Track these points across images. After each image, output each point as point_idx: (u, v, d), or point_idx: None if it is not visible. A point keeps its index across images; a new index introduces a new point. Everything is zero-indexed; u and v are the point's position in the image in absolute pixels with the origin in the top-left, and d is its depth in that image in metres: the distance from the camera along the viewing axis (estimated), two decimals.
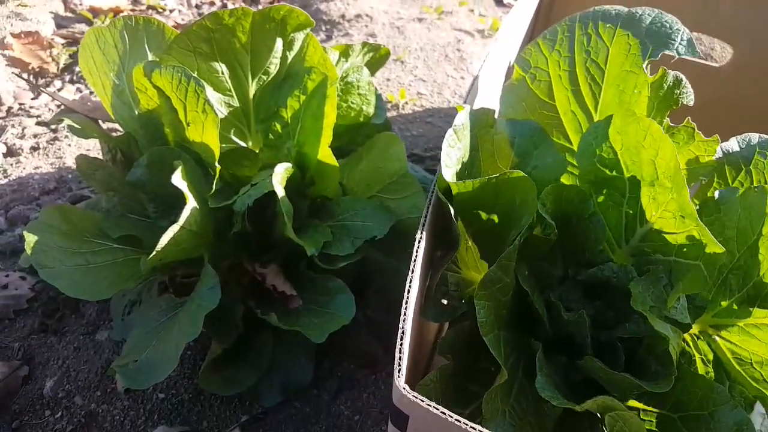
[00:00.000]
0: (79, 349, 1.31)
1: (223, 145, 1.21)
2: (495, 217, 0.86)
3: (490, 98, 1.08)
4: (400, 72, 2.05)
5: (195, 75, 1.07)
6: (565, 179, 0.95)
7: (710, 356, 0.86)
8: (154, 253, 0.99)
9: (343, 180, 1.29)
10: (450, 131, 0.84)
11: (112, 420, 1.18)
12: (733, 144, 0.89)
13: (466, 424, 0.65)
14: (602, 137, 0.81)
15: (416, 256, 0.78)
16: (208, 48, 1.11)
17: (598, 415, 0.81)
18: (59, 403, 1.22)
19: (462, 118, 0.86)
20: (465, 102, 0.96)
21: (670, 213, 0.76)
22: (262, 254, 1.18)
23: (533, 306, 0.84)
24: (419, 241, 0.79)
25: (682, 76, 0.91)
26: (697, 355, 0.87)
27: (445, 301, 0.96)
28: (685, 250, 0.77)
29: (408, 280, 0.76)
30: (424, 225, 0.81)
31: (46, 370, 1.27)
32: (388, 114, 1.87)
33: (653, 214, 0.79)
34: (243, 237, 1.15)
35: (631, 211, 0.83)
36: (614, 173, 0.82)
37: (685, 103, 0.91)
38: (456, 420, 0.66)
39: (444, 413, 0.66)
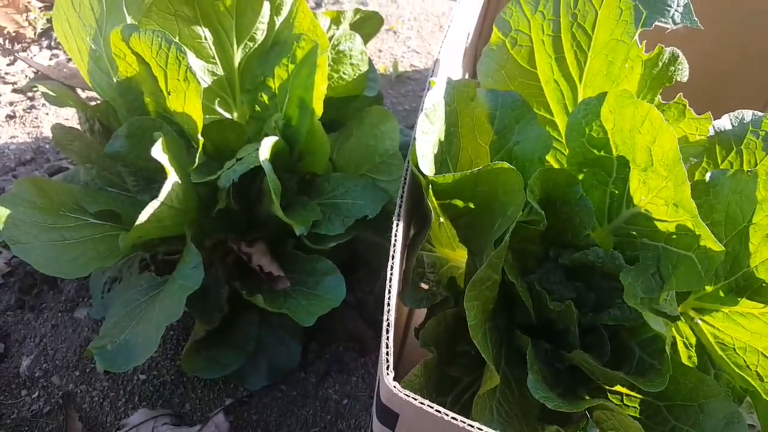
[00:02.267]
0: (57, 326, 1.26)
1: (207, 117, 1.15)
2: (474, 205, 0.82)
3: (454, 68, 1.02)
4: (393, 43, 1.97)
5: (176, 40, 1.00)
6: (550, 158, 0.91)
7: (692, 340, 0.83)
8: (132, 230, 0.94)
9: (333, 156, 1.23)
10: (422, 116, 0.77)
11: (91, 401, 1.14)
12: (725, 122, 0.84)
13: (464, 422, 0.62)
14: (593, 116, 0.76)
15: (395, 241, 0.74)
16: (190, 11, 1.04)
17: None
18: (36, 382, 1.17)
19: (434, 98, 0.79)
20: (432, 75, 0.90)
21: (662, 200, 0.71)
22: (247, 233, 1.13)
23: (518, 294, 0.81)
24: (397, 225, 0.74)
25: (678, 51, 0.85)
26: (678, 338, 0.84)
27: (424, 286, 0.92)
28: (675, 238, 0.73)
29: (389, 267, 0.71)
30: (400, 207, 0.77)
31: (22, 348, 1.23)
32: (381, 87, 1.80)
33: (642, 198, 0.74)
34: (228, 214, 1.09)
35: (616, 191, 0.79)
36: (602, 153, 0.78)
37: (679, 79, 0.86)
38: (453, 418, 0.62)
39: (440, 411, 0.62)
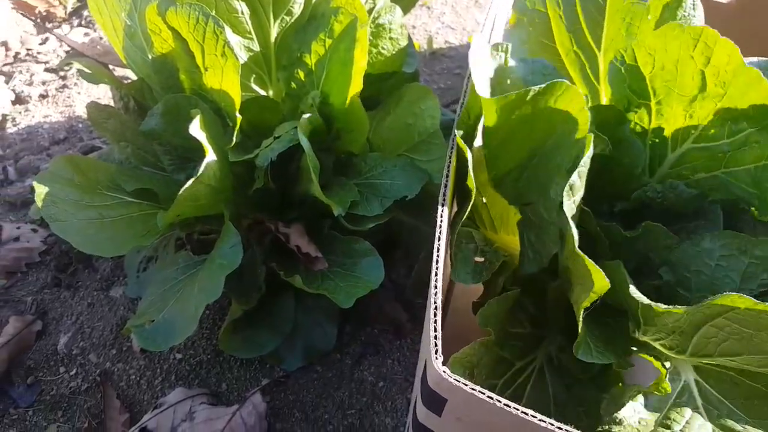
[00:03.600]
0: (93, 305, 1.27)
1: (242, 94, 1.13)
2: (530, 149, 0.78)
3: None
4: (427, 19, 1.93)
5: (213, 14, 0.98)
6: None
7: None
8: (171, 208, 0.93)
9: (370, 135, 1.20)
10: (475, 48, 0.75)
11: (128, 379, 1.14)
12: (754, 60, 0.82)
13: (517, 409, 0.59)
14: (630, 60, 0.74)
15: (440, 222, 0.71)
16: None
17: None
18: (74, 360, 1.18)
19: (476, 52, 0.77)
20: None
21: (717, 123, 0.71)
22: (284, 213, 1.11)
23: (584, 234, 0.75)
24: (442, 207, 0.72)
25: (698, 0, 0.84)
26: None
27: (480, 258, 0.90)
28: (740, 156, 0.72)
29: (435, 249, 0.69)
30: (446, 187, 0.74)
31: (59, 326, 1.23)
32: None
33: (692, 132, 0.74)
34: (265, 194, 1.07)
35: (657, 140, 0.78)
36: (641, 100, 0.77)
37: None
38: (505, 405, 0.59)
39: (491, 398, 0.60)
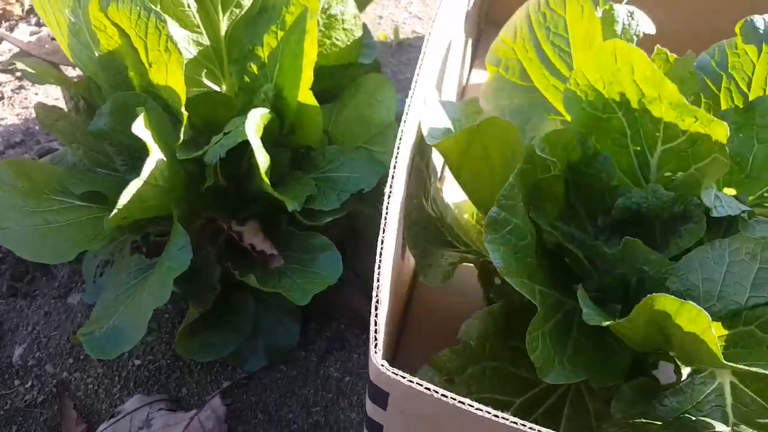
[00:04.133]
0: (50, 313, 1.23)
1: (194, 89, 1.09)
2: (491, 173, 0.81)
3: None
4: (394, 9, 1.90)
5: (156, 9, 0.94)
6: None
7: None
8: (115, 211, 0.89)
9: (328, 128, 1.18)
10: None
11: (86, 388, 1.11)
12: (703, 59, 0.88)
13: (454, 399, 0.59)
14: (582, 81, 0.77)
15: (386, 214, 0.70)
16: None
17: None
18: (29, 371, 1.14)
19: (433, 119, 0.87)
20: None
21: (671, 122, 0.73)
22: (239, 210, 1.08)
23: (571, 256, 0.79)
24: (389, 198, 0.70)
25: (632, 8, 0.89)
26: None
27: (451, 267, 0.90)
28: (698, 150, 0.74)
29: (380, 242, 0.67)
30: (393, 178, 0.73)
31: (15, 337, 1.20)
32: (381, 55, 1.73)
33: (657, 135, 0.76)
34: (217, 192, 1.04)
35: (638, 148, 0.80)
36: (606, 114, 0.78)
37: (646, 32, 0.89)
38: (443, 395, 0.59)
39: (429, 389, 0.59)
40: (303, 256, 1.04)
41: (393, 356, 1.09)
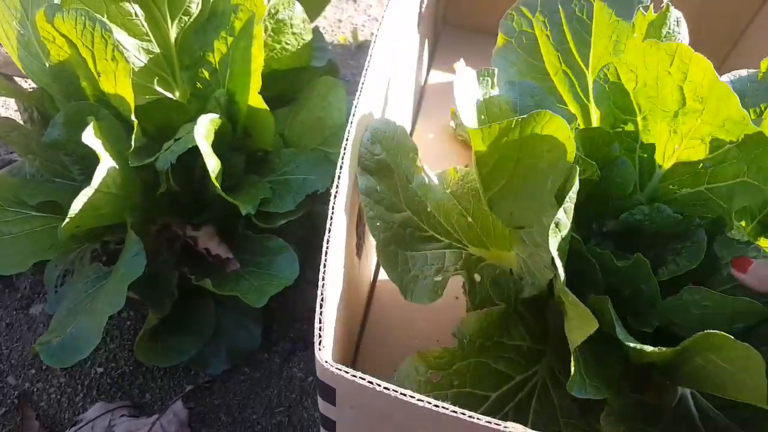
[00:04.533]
0: (12, 325, 1.23)
1: (147, 97, 1.10)
2: (520, 175, 0.76)
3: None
4: (353, 12, 1.91)
5: (103, 18, 0.95)
6: None
7: None
8: (67, 220, 0.90)
9: (285, 131, 1.19)
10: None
11: (48, 399, 1.11)
12: (723, 80, 0.83)
13: (396, 391, 0.60)
14: (613, 77, 0.75)
15: (332, 213, 0.71)
16: None
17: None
18: None
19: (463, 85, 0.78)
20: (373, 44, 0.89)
21: (698, 139, 0.71)
22: (195, 215, 1.09)
23: (577, 261, 0.77)
24: (335, 197, 0.72)
25: (680, 14, 0.85)
26: None
27: (439, 278, 0.90)
28: (721, 171, 0.73)
29: (325, 241, 0.69)
30: (339, 178, 0.74)
31: None
32: (341, 58, 1.75)
33: (675, 148, 0.74)
34: (172, 198, 1.05)
35: (645, 155, 0.79)
36: (626, 116, 0.78)
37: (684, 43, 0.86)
38: (384, 388, 0.60)
39: (371, 382, 0.61)
40: (260, 259, 1.06)
41: (354, 357, 1.11)
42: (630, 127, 0.77)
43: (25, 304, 1.27)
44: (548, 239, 0.63)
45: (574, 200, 0.66)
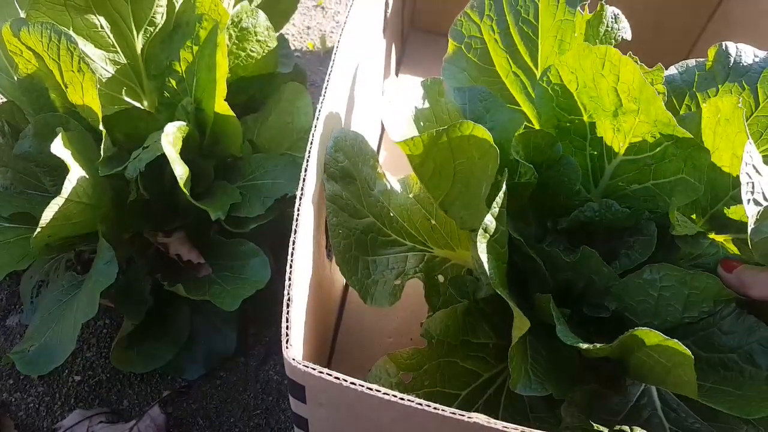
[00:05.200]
0: None
1: (116, 107, 1.12)
2: (458, 181, 0.80)
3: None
4: (321, 19, 1.94)
5: (68, 31, 0.97)
6: None
7: None
8: (38, 230, 0.91)
9: (254, 137, 1.21)
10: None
11: (27, 408, 1.12)
12: (672, 72, 0.87)
13: (362, 386, 0.62)
14: (555, 79, 0.77)
15: (297, 214, 0.73)
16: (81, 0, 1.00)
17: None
18: None
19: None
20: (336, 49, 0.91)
21: (639, 136, 0.73)
22: (167, 222, 1.11)
23: (526, 260, 0.79)
24: (300, 198, 0.74)
25: (617, 10, 0.88)
26: None
27: (398, 282, 0.92)
28: (663, 168, 0.75)
29: (291, 242, 0.71)
30: (304, 180, 0.76)
31: None
32: (309, 64, 1.77)
33: (620, 145, 0.76)
34: (143, 205, 1.07)
35: (595, 152, 0.81)
36: (573, 116, 0.79)
37: (624, 38, 0.88)
38: (351, 383, 0.62)
39: (338, 378, 0.63)
40: (232, 263, 1.08)
41: (329, 358, 1.13)
42: (578, 125, 0.79)
43: (1, 316, 1.27)
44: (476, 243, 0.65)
45: (502, 203, 0.68)
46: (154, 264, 1.10)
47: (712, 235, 0.77)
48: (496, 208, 0.67)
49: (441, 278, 0.96)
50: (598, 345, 0.65)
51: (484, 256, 0.66)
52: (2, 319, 1.27)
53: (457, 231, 0.94)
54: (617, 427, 0.73)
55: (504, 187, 0.68)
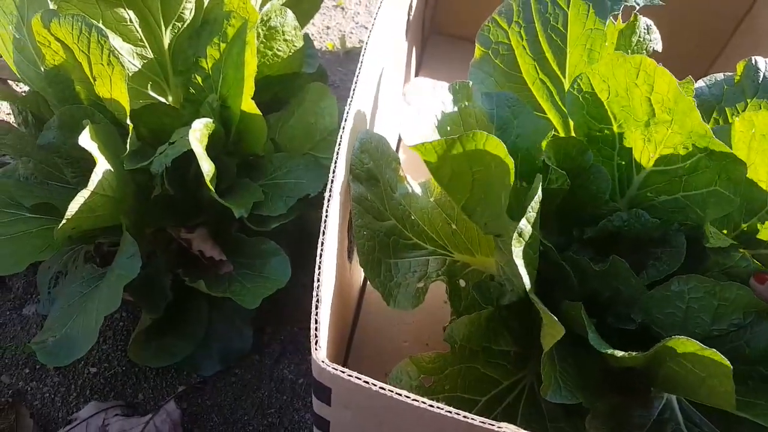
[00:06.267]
0: (5, 325, 1.24)
1: (140, 101, 1.12)
2: (478, 189, 0.79)
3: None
4: (341, 19, 1.94)
5: (99, 24, 0.97)
6: None
7: None
8: (64, 221, 0.92)
9: (276, 136, 1.22)
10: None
11: (42, 398, 1.12)
12: (701, 86, 0.88)
13: (392, 391, 0.62)
14: (586, 87, 0.77)
15: (326, 216, 0.73)
16: None
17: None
18: None
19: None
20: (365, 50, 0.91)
21: (670, 148, 0.73)
22: (189, 218, 1.11)
23: (553, 268, 0.78)
24: (328, 201, 0.74)
25: (650, 21, 0.88)
26: None
27: (421, 284, 0.91)
28: (694, 180, 0.74)
29: (320, 243, 0.71)
30: (332, 182, 0.76)
31: None
32: (329, 65, 1.77)
33: (650, 156, 0.76)
34: (166, 200, 1.07)
35: (623, 162, 0.80)
36: (603, 125, 0.79)
37: (656, 49, 0.88)
38: (381, 388, 0.62)
39: (368, 382, 0.62)
40: (253, 261, 1.08)
41: (346, 354, 1.13)
42: (607, 135, 0.79)
43: (18, 305, 1.28)
44: (512, 248, 0.65)
45: (537, 209, 0.68)
46: (175, 259, 1.10)
47: (742, 251, 0.77)
48: (531, 213, 0.67)
49: (462, 283, 0.96)
50: (633, 353, 0.65)
51: (519, 261, 0.65)
52: (18, 308, 1.28)
53: (478, 236, 0.94)
54: None
55: (540, 192, 0.68)
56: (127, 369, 1.15)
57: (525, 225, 0.67)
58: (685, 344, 0.60)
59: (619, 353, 0.65)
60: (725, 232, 0.80)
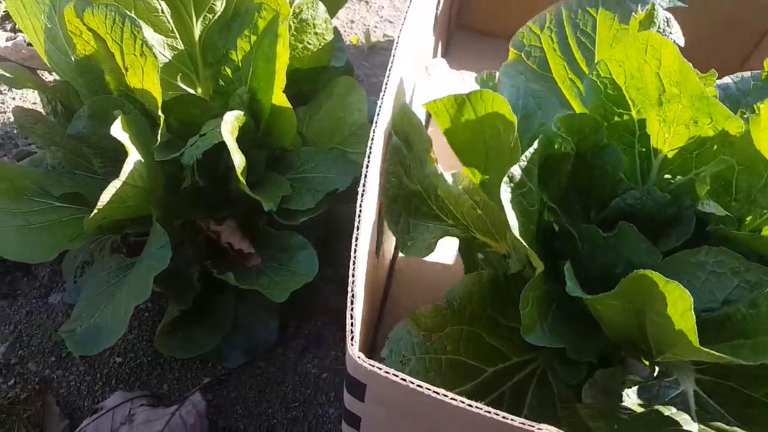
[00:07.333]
0: (32, 313, 1.25)
1: (170, 93, 1.12)
2: (494, 158, 0.81)
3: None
4: (365, 13, 1.93)
5: (131, 14, 0.97)
6: None
7: None
8: (95, 211, 0.92)
9: (303, 130, 1.21)
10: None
11: (68, 386, 1.13)
12: (727, 81, 0.90)
13: (429, 389, 0.61)
14: (605, 73, 0.78)
15: (360, 212, 0.73)
16: None
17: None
18: (12, 369, 1.16)
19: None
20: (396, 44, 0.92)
21: (683, 124, 0.74)
22: (217, 210, 1.11)
23: (565, 239, 0.79)
24: (362, 196, 0.73)
25: (670, 15, 0.89)
26: None
27: (434, 239, 0.92)
28: (704, 154, 0.76)
29: (354, 239, 0.70)
30: (366, 177, 0.75)
31: None
32: (353, 59, 1.77)
33: (666, 137, 0.77)
34: (195, 192, 1.07)
35: (643, 149, 0.82)
36: (621, 110, 0.80)
37: (677, 43, 0.88)
38: (418, 386, 0.61)
39: (405, 380, 0.62)
40: (280, 255, 1.08)
41: (371, 350, 1.13)
42: (627, 122, 0.80)
43: (44, 293, 1.29)
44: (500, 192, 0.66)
45: (531, 161, 0.70)
46: (204, 251, 1.10)
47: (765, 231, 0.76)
48: (524, 161, 0.69)
49: (481, 256, 0.95)
50: (602, 294, 0.64)
51: (507, 206, 0.66)
52: (44, 297, 1.28)
53: (501, 225, 0.93)
54: (654, 407, 0.72)
55: (536, 144, 0.70)
56: (152, 359, 1.16)
57: (516, 170, 0.68)
58: (649, 277, 0.58)
59: (589, 296, 0.66)
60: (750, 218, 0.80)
